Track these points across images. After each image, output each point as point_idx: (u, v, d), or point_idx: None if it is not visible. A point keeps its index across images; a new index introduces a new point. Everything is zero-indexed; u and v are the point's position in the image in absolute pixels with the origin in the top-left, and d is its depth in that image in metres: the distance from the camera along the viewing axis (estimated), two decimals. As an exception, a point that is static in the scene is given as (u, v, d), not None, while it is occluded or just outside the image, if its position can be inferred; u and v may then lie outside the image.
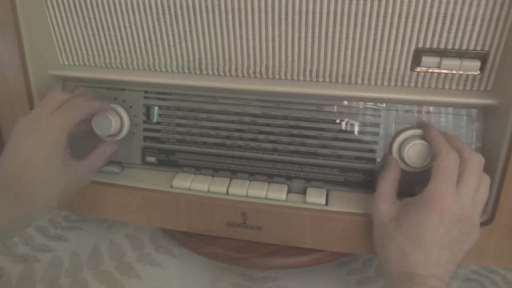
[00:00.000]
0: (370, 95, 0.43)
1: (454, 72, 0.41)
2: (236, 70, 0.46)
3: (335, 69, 0.44)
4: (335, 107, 0.46)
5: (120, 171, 0.51)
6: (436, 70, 0.42)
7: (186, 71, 0.47)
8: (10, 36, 0.45)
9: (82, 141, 0.46)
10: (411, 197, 0.40)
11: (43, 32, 0.48)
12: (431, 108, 0.44)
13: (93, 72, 0.49)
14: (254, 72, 0.45)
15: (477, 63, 0.40)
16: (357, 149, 0.46)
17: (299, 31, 0.42)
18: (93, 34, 0.47)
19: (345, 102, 0.45)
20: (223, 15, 0.43)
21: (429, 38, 0.40)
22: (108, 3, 0.45)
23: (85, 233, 0.60)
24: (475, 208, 0.38)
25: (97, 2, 0.45)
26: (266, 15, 0.42)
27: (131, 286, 0.51)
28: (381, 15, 0.40)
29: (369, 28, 0.41)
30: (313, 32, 0.42)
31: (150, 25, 0.45)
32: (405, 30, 0.40)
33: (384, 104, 0.45)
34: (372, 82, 0.44)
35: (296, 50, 0.43)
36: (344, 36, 0.42)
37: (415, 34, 0.40)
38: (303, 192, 0.48)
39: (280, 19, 0.42)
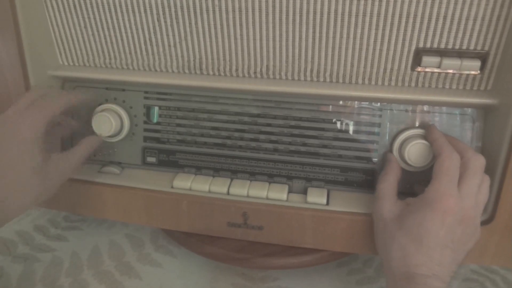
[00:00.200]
0: (371, 95, 0.43)
1: (454, 71, 0.42)
2: (236, 70, 0.46)
3: (336, 69, 0.44)
4: (336, 107, 0.46)
5: (121, 172, 0.51)
6: (437, 70, 0.42)
7: (187, 71, 0.47)
8: (9, 36, 0.45)
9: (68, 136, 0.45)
10: (413, 197, 0.40)
11: (43, 32, 0.48)
12: (431, 108, 0.44)
13: (93, 72, 0.49)
14: (255, 72, 0.45)
15: (477, 63, 0.40)
16: (358, 149, 0.46)
17: (299, 31, 0.42)
18: (93, 34, 0.47)
19: (346, 102, 0.45)
20: (223, 16, 0.43)
21: (429, 38, 0.40)
22: (108, 3, 0.45)
23: (85, 233, 0.60)
24: (477, 209, 0.39)
25: (97, 2, 0.45)
26: (266, 15, 0.42)
27: (131, 286, 0.51)
28: (382, 15, 0.40)
29: (369, 28, 0.41)
30: (313, 32, 0.42)
31: (150, 25, 0.45)
32: (405, 30, 0.40)
33: (384, 104, 0.45)
34: (373, 82, 0.44)
35: (296, 50, 0.43)
36: (344, 36, 0.42)
37: (415, 34, 0.40)
38: (304, 192, 0.48)
39: (280, 19, 0.42)
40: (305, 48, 0.43)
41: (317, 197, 0.46)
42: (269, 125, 0.47)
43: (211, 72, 0.46)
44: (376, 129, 0.45)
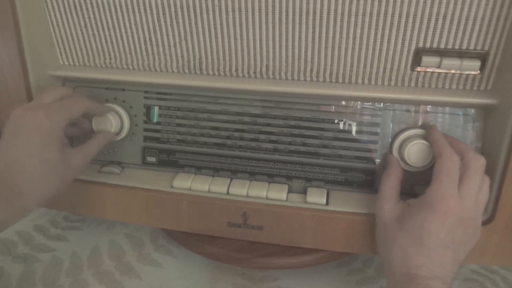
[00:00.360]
0: (370, 95, 0.43)
1: (454, 71, 0.42)
2: (236, 70, 0.46)
3: (335, 69, 0.44)
4: (336, 107, 0.46)
5: (121, 172, 0.51)
6: (436, 70, 0.42)
7: (187, 71, 0.47)
8: (10, 36, 0.45)
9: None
10: (415, 198, 0.40)
11: (43, 32, 0.48)
12: (431, 108, 0.44)
13: (93, 72, 0.49)
14: (255, 72, 0.46)
15: (477, 63, 0.40)
16: (358, 149, 0.46)
17: (299, 31, 0.42)
18: (93, 34, 0.47)
19: (345, 102, 0.45)
20: (223, 15, 0.43)
21: (429, 38, 0.40)
22: (108, 3, 0.45)
23: (85, 233, 0.60)
24: (478, 209, 0.39)
25: (97, 2, 0.45)
26: (266, 15, 0.42)
27: (131, 286, 0.51)
28: (381, 15, 0.40)
29: (369, 28, 0.41)
30: (313, 32, 0.42)
31: (150, 25, 0.45)
32: (405, 30, 0.40)
33: (384, 104, 0.45)
34: (373, 82, 0.44)
35: (296, 50, 0.43)
36: (344, 36, 0.42)
37: (415, 34, 0.40)
38: (304, 192, 0.48)
39: (280, 19, 0.42)
40: (305, 48, 0.43)
41: (316, 197, 0.46)
42: (269, 125, 0.47)
43: (211, 72, 0.46)
44: (375, 129, 0.45)
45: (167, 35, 0.45)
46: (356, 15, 0.40)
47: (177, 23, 0.44)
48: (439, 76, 0.42)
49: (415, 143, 0.42)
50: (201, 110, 0.48)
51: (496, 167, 0.41)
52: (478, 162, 0.38)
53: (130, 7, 0.44)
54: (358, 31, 0.41)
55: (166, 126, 0.50)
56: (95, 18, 0.46)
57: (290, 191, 0.48)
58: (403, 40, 0.41)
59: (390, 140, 0.45)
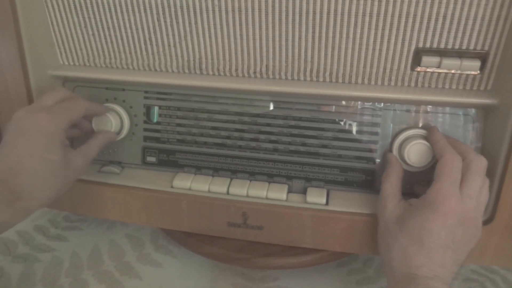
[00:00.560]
0: (370, 95, 0.43)
1: (454, 71, 0.42)
2: (236, 70, 0.46)
3: (335, 69, 0.44)
4: (335, 107, 0.46)
5: (120, 171, 0.51)
6: (436, 70, 0.42)
7: (186, 71, 0.47)
8: (10, 36, 0.45)
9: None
10: (416, 198, 0.40)
11: (43, 32, 0.48)
12: (431, 108, 0.44)
13: (93, 72, 0.49)
14: (254, 72, 0.46)
15: (477, 63, 0.40)
16: (357, 149, 0.46)
17: (299, 31, 0.42)
18: (93, 34, 0.47)
19: (345, 102, 0.45)
20: (223, 15, 0.43)
21: (429, 38, 0.40)
22: (108, 3, 0.45)
23: (85, 233, 0.60)
24: (479, 210, 0.39)
25: (97, 2, 0.45)
26: (266, 15, 0.42)
27: (131, 286, 0.51)
28: (381, 15, 0.40)
29: (369, 28, 0.41)
30: (313, 32, 0.42)
31: (150, 25, 0.45)
32: (405, 30, 0.40)
33: (384, 104, 0.45)
34: (372, 82, 0.44)
35: (296, 50, 0.43)
36: (344, 36, 0.42)
37: (415, 34, 0.40)
38: (304, 192, 0.48)
39: (280, 19, 0.42)
40: (305, 48, 0.43)
41: (316, 197, 0.46)
42: (268, 125, 0.47)
43: (211, 72, 0.47)
44: (375, 129, 0.45)
45: (167, 35, 0.45)
46: (356, 15, 0.40)
47: (177, 23, 0.44)
48: (439, 76, 0.42)
49: (415, 143, 0.42)
50: (201, 110, 0.48)
51: (496, 167, 0.41)
52: (480, 163, 0.38)
53: (130, 7, 0.44)
54: (358, 31, 0.41)
55: (166, 126, 0.50)
56: (95, 18, 0.46)
57: (290, 191, 0.48)
58: (403, 40, 0.41)
59: (390, 140, 0.45)
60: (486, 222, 0.42)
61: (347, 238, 0.46)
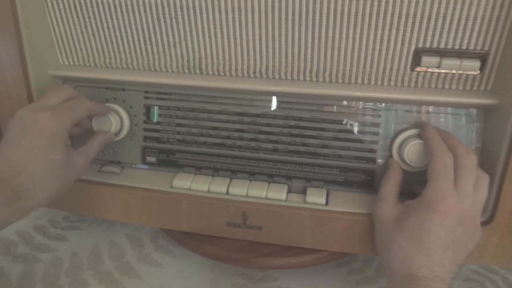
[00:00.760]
0: (370, 95, 0.43)
1: (454, 72, 0.41)
2: (236, 70, 0.46)
3: (335, 69, 0.44)
4: (335, 107, 0.46)
5: (120, 171, 0.51)
6: (436, 70, 0.42)
7: (186, 71, 0.47)
8: (10, 36, 0.45)
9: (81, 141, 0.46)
10: (413, 199, 0.40)
11: (43, 32, 0.48)
12: (431, 108, 0.44)
13: (93, 72, 0.49)
14: (254, 72, 0.46)
15: (477, 63, 0.40)
16: (357, 149, 0.46)
17: (299, 31, 0.42)
18: (93, 34, 0.47)
19: (345, 102, 0.45)
20: (223, 15, 0.43)
21: (429, 38, 0.40)
22: (108, 3, 0.45)
23: (85, 233, 0.60)
24: (476, 208, 0.39)
25: (97, 2, 0.45)
26: (266, 15, 0.42)
27: (131, 286, 0.51)
28: (381, 15, 0.40)
29: (369, 28, 0.41)
30: (313, 32, 0.42)
31: (150, 25, 0.45)
32: (405, 30, 0.40)
33: (384, 104, 0.45)
34: (372, 82, 0.44)
35: (296, 50, 0.43)
36: (344, 36, 0.42)
37: (415, 34, 0.40)
38: (303, 192, 0.48)
39: (280, 19, 0.42)
40: (305, 48, 0.43)
41: (316, 197, 0.46)
42: (268, 125, 0.47)
43: (210, 72, 0.47)
44: (375, 129, 0.45)
45: (167, 35, 0.45)
46: (356, 15, 0.40)
47: (177, 23, 0.44)
48: (439, 76, 0.42)
49: (414, 143, 0.42)
50: (201, 110, 0.48)
51: (496, 167, 0.41)
52: (469, 160, 0.38)
53: (130, 7, 0.44)
54: (358, 31, 0.41)
55: (166, 126, 0.50)
56: (95, 18, 0.46)
57: (289, 191, 0.48)
58: (403, 40, 0.41)
59: (389, 140, 0.45)
60: (486, 222, 0.42)
61: (347, 238, 0.46)
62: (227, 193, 0.48)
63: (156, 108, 0.50)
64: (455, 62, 0.40)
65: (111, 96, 0.50)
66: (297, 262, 0.50)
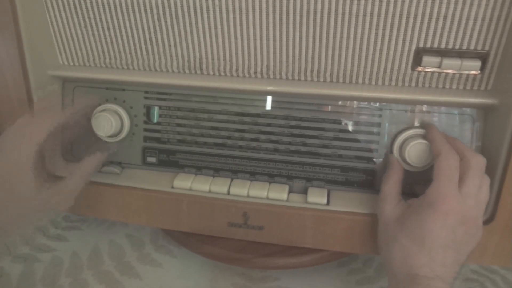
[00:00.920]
0: (371, 95, 0.43)
1: (454, 71, 0.42)
2: (236, 70, 0.46)
3: (336, 69, 0.44)
4: (336, 107, 0.46)
5: (121, 172, 0.51)
6: (437, 70, 0.42)
7: (187, 71, 0.47)
8: (9, 36, 0.45)
9: (81, 141, 0.45)
10: (415, 198, 0.40)
11: (43, 32, 0.48)
12: (432, 108, 0.44)
13: (93, 72, 0.49)
14: (255, 72, 0.45)
15: (477, 63, 0.40)
16: (358, 149, 0.46)
17: (300, 31, 0.42)
18: (93, 34, 0.47)
19: (346, 102, 0.45)
20: (223, 15, 0.43)
21: (429, 38, 0.40)
22: (108, 3, 0.44)
23: (85, 233, 0.60)
24: (479, 209, 0.39)
25: (97, 2, 0.45)
26: (266, 15, 0.42)
27: (131, 286, 0.51)
28: (382, 15, 0.40)
29: (370, 28, 0.41)
30: (313, 32, 0.42)
31: (150, 25, 0.45)
32: (406, 30, 0.40)
33: (384, 104, 0.45)
34: (373, 82, 0.44)
35: (296, 50, 0.43)
36: (345, 36, 0.42)
37: (415, 34, 0.40)
38: (304, 192, 0.48)
39: (280, 19, 0.42)
40: (305, 48, 0.43)
41: (317, 197, 0.46)
42: (269, 125, 0.47)
43: (211, 72, 0.46)
44: (376, 129, 0.45)
45: (167, 35, 0.45)
46: (357, 15, 0.40)
47: (177, 23, 0.44)
48: (440, 76, 0.42)
49: (415, 143, 0.42)
50: (201, 110, 0.48)
51: (496, 167, 0.41)
52: (479, 162, 0.38)
53: (130, 7, 0.44)
54: (359, 31, 0.41)
55: (166, 126, 0.50)
56: (95, 18, 0.46)
57: (290, 191, 0.48)
58: (404, 40, 0.41)
59: (390, 140, 0.45)
60: (487, 222, 0.42)
61: (347, 238, 0.46)
62: (228, 193, 0.48)
63: (156, 108, 0.50)
64: (455, 62, 0.40)
65: (111, 96, 0.50)
66: (297, 262, 0.50)
